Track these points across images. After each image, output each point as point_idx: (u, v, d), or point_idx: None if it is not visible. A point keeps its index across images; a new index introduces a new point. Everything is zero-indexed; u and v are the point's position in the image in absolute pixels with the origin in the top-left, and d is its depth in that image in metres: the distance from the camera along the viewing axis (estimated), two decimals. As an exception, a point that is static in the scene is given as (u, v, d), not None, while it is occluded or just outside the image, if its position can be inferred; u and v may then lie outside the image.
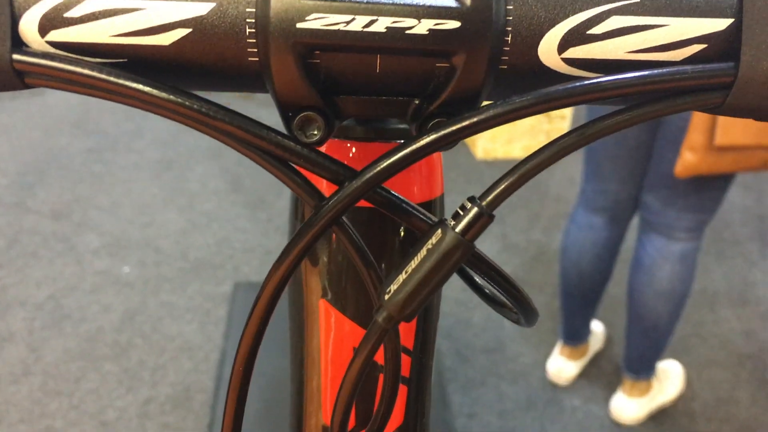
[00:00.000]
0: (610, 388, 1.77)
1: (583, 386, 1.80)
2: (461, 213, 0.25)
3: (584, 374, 1.83)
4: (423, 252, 0.24)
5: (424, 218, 0.27)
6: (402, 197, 0.27)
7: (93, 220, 2.41)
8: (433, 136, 0.24)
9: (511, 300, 0.31)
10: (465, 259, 0.24)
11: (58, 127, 3.17)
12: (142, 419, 1.65)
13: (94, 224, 2.38)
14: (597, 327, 1.91)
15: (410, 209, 0.27)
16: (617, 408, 1.69)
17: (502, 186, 0.25)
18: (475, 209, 0.25)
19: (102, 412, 1.67)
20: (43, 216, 2.42)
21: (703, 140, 1.19)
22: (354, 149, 0.32)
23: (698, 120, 1.19)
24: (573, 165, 2.92)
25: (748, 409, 1.75)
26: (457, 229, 0.24)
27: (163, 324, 1.95)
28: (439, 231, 0.25)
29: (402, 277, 0.24)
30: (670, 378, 1.78)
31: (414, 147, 0.24)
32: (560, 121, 3.04)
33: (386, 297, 0.25)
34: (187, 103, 0.23)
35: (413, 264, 0.24)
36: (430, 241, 0.24)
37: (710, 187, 1.32)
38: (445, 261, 0.24)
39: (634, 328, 1.60)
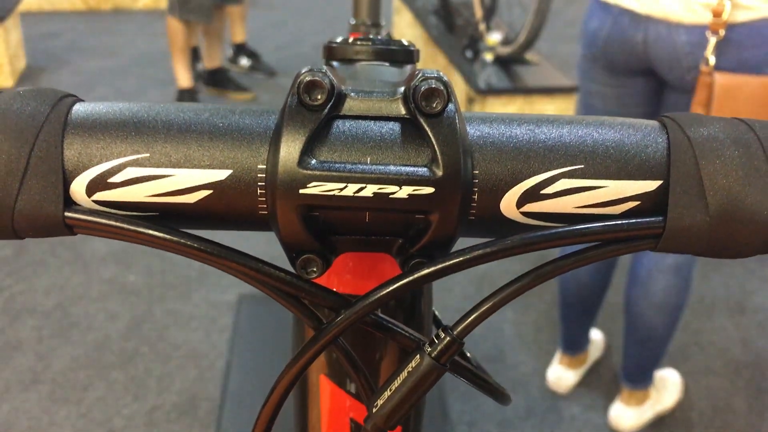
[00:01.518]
0: (610, 397, 1.80)
1: (582, 394, 1.83)
2: (436, 341, 0.29)
3: (584, 382, 1.86)
4: (404, 374, 0.29)
5: (409, 336, 0.32)
6: (389, 319, 0.32)
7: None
8: (414, 276, 0.28)
9: (486, 391, 0.37)
10: (439, 378, 0.30)
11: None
12: (149, 427, 1.68)
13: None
14: (596, 335, 1.94)
15: (396, 329, 0.32)
16: (615, 417, 1.72)
17: (471, 317, 0.29)
18: (448, 339, 0.29)
19: (109, 420, 1.70)
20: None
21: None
22: (351, 263, 0.38)
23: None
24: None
25: (745, 417, 1.78)
26: (433, 355, 0.29)
27: (169, 332, 1.98)
28: (418, 357, 0.29)
29: (387, 393, 0.29)
30: (667, 387, 1.81)
31: (398, 285, 0.28)
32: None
33: (374, 409, 0.29)
34: (209, 249, 0.28)
35: (396, 383, 0.29)
36: (410, 365, 0.29)
37: None
38: (422, 382, 0.29)
39: (631, 339, 1.63)
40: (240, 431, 1.48)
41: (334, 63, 0.40)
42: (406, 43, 0.41)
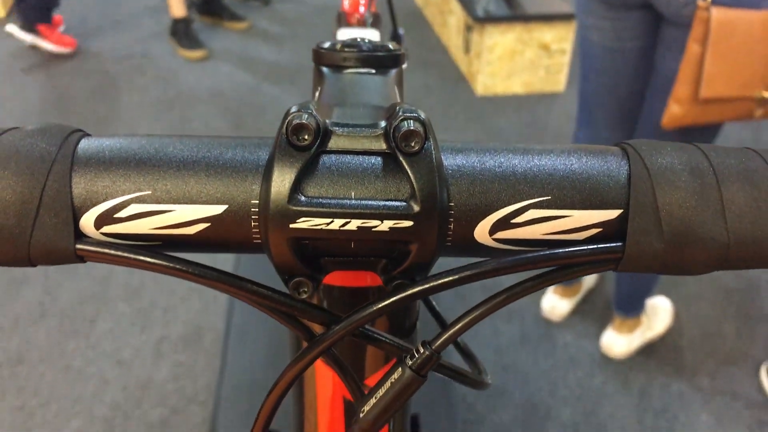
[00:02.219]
0: (602, 325, 1.85)
1: (575, 323, 1.88)
2: (416, 354, 0.33)
3: (577, 311, 1.91)
4: (387, 384, 0.33)
5: (394, 344, 0.35)
6: (376, 331, 0.35)
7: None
8: (396, 297, 0.31)
9: (465, 383, 0.42)
10: (420, 387, 0.33)
11: (60, 70, 3.19)
12: (156, 357, 1.74)
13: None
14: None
15: (383, 339, 0.35)
16: (607, 344, 1.77)
17: (448, 333, 0.32)
18: (427, 353, 0.33)
19: (118, 351, 1.76)
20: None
21: (688, 93, 1.22)
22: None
23: (684, 73, 1.22)
24: (570, 102, 2.94)
25: (734, 342, 1.84)
26: (414, 368, 0.33)
27: (172, 266, 2.02)
28: (400, 369, 0.33)
29: (372, 401, 0.33)
30: (658, 314, 1.86)
31: (383, 305, 0.32)
32: (560, 56, 3.03)
33: (361, 415, 0.33)
34: (209, 275, 0.31)
35: (381, 392, 0.33)
36: (393, 376, 0.33)
37: (696, 139, 1.36)
38: (404, 392, 0.33)
39: (624, 269, 1.67)
40: (244, 364, 1.54)
41: (323, 68, 0.42)
42: (392, 48, 0.42)
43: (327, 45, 0.43)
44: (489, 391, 1.71)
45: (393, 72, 0.41)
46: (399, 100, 0.40)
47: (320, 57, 0.42)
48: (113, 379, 1.68)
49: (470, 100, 3.02)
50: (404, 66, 0.45)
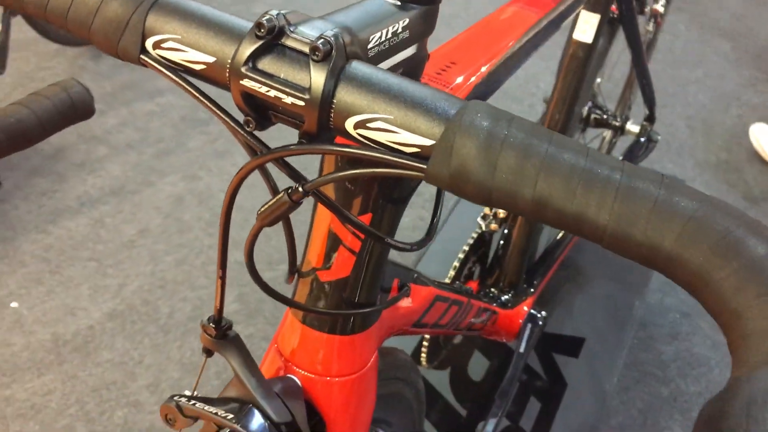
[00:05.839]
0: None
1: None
2: (294, 189, 0.48)
3: None
4: (273, 201, 0.48)
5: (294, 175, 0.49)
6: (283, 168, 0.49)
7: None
8: (295, 147, 0.45)
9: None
10: (289, 209, 0.48)
11: None
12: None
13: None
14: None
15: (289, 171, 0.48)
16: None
17: (321, 179, 0.48)
18: (300, 188, 0.47)
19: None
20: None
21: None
22: None
23: None
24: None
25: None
26: (288, 193, 0.48)
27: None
28: (282, 194, 0.48)
29: (265, 207, 0.49)
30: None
31: (285, 151, 0.46)
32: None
33: (261, 208, 0.49)
34: (204, 96, 0.47)
35: (270, 203, 0.49)
36: (278, 198, 0.48)
37: None
38: (278, 209, 0.48)
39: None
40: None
41: None
42: None
43: None
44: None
45: (416, 9, 0.50)
46: (388, 30, 0.49)
47: None
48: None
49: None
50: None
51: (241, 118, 0.47)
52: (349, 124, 0.42)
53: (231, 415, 0.57)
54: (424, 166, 0.41)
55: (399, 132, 0.41)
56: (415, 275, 0.80)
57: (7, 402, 1.53)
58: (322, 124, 0.43)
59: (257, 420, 0.58)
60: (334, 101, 0.42)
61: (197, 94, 0.47)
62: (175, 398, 0.59)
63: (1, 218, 1.94)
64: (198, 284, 1.80)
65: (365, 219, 0.60)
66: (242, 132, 0.46)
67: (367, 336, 0.67)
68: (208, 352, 0.61)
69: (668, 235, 0.35)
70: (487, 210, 1.35)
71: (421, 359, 1.41)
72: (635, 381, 1.67)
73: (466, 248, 1.30)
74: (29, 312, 1.71)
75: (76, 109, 0.59)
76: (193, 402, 0.58)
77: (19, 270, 1.81)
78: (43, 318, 1.70)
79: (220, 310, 0.59)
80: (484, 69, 0.69)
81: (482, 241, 1.34)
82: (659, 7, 1.40)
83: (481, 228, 1.34)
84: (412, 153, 0.42)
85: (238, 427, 0.57)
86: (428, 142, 0.41)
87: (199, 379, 0.66)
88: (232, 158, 2.12)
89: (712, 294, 0.34)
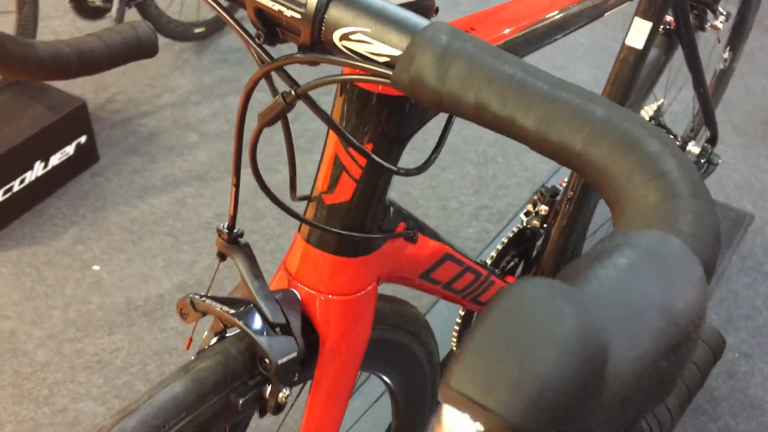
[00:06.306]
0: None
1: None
2: (288, 93, 0.55)
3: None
4: (272, 103, 0.56)
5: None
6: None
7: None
8: (295, 56, 0.52)
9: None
10: (283, 111, 0.56)
11: None
12: (259, 227, 2.03)
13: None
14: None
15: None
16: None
17: (311, 83, 0.54)
18: (293, 91, 0.54)
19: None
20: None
21: None
22: None
23: None
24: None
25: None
26: (284, 96, 0.55)
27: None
28: (278, 97, 0.56)
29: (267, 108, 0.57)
30: None
31: (289, 59, 0.52)
32: None
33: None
34: (223, 7, 0.56)
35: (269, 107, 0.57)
36: (277, 99, 0.56)
37: None
38: (274, 109, 0.56)
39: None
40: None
41: None
42: None
43: None
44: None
45: None
46: None
47: None
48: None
49: None
50: None
51: (254, 34, 0.54)
52: (336, 37, 0.49)
53: (234, 311, 0.66)
54: (391, 73, 0.46)
55: (373, 43, 0.48)
56: (426, 229, 0.83)
57: (77, 354, 1.66)
58: (314, 36, 0.50)
59: (256, 319, 0.66)
60: (326, 17, 0.49)
61: (220, 10, 0.55)
62: (190, 295, 0.67)
63: (96, 189, 2.10)
64: (264, 269, 1.88)
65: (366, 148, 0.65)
66: (254, 44, 0.54)
67: (365, 262, 0.72)
68: (222, 256, 0.71)
69: (579, 135, 0.40)
70: (529, 207, 1.36)
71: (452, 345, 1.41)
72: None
73: (505, 240, 1.31)
74: (108, 276, 1.84)
75: (142, 45, 0.67)
76: (203, 299, 0.67)
77: (104, 237, 1.95)
78: (120, 282, 1.83)
79: (234, 217, 0.67)
80: (503, 39, 0.71)
81: (522, 236, 1.35)
82: (718, 24, 1.38)
83: (522, 223, 1.36)
84: (385, 63, 0.48)
85: (238, 322, 0.65)
86: (396, 53, 0.47)
87: (212, 282, 0.75)
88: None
89: (609, 183, 0.38)
